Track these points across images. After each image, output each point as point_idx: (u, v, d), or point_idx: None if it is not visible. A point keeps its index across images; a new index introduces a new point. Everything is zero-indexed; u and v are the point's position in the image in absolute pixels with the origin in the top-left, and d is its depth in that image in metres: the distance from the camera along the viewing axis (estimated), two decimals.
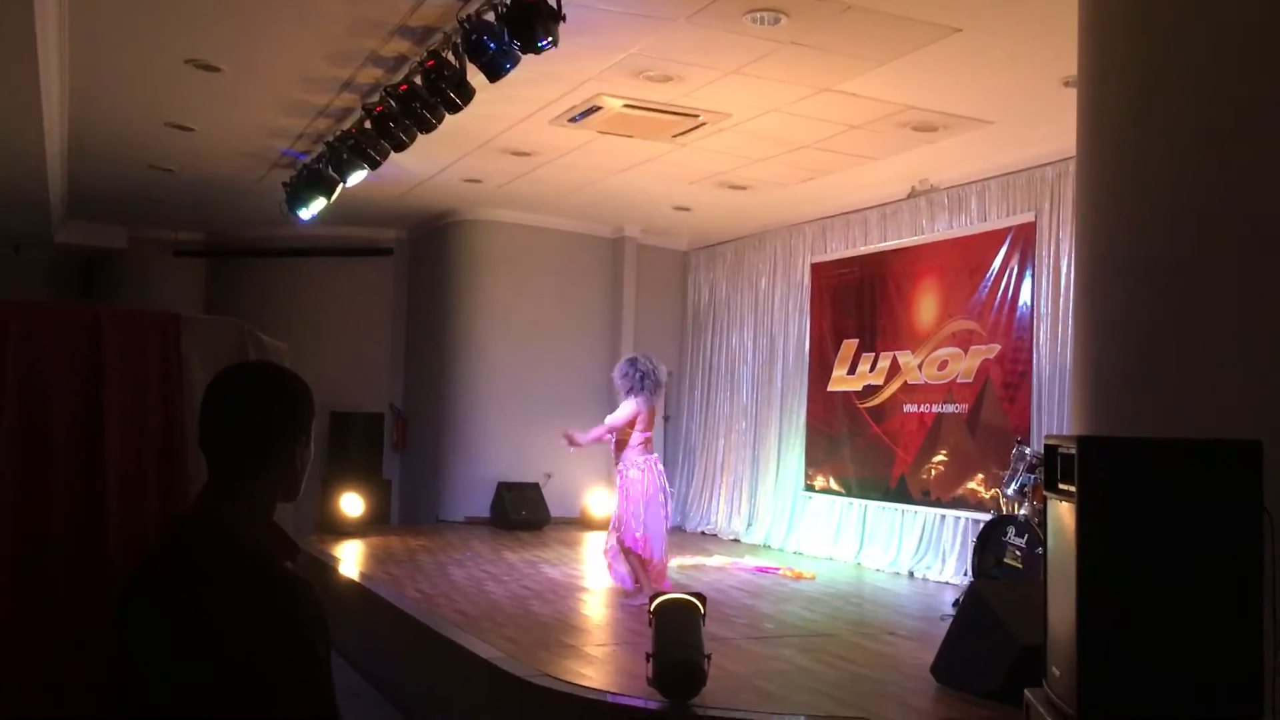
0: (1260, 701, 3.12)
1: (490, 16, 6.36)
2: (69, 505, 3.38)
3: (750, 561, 10.50)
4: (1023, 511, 7.63)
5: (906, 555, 10.18)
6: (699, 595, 5.40)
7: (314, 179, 9.58)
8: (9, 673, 3.25)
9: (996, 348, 9.56)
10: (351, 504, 11.67)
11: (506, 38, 6.27)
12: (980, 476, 9.55)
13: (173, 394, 3.46)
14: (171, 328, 3.54)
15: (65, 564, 3.32)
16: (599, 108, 8.49)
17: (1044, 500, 3.70)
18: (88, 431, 3.41)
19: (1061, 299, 8.87)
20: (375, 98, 7.97)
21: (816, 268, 11.92)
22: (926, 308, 10.43)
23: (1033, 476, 7.54)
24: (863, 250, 11.28)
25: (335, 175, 9.17)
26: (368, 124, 8.12)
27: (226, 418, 1.95)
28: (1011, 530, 7.59)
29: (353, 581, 8.63)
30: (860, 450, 11.05)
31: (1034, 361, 9.15)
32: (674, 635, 5.09)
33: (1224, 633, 3.14)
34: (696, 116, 8.63)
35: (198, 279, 14.60)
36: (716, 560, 10.52)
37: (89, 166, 10.76)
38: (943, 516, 9.95)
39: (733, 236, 13.24)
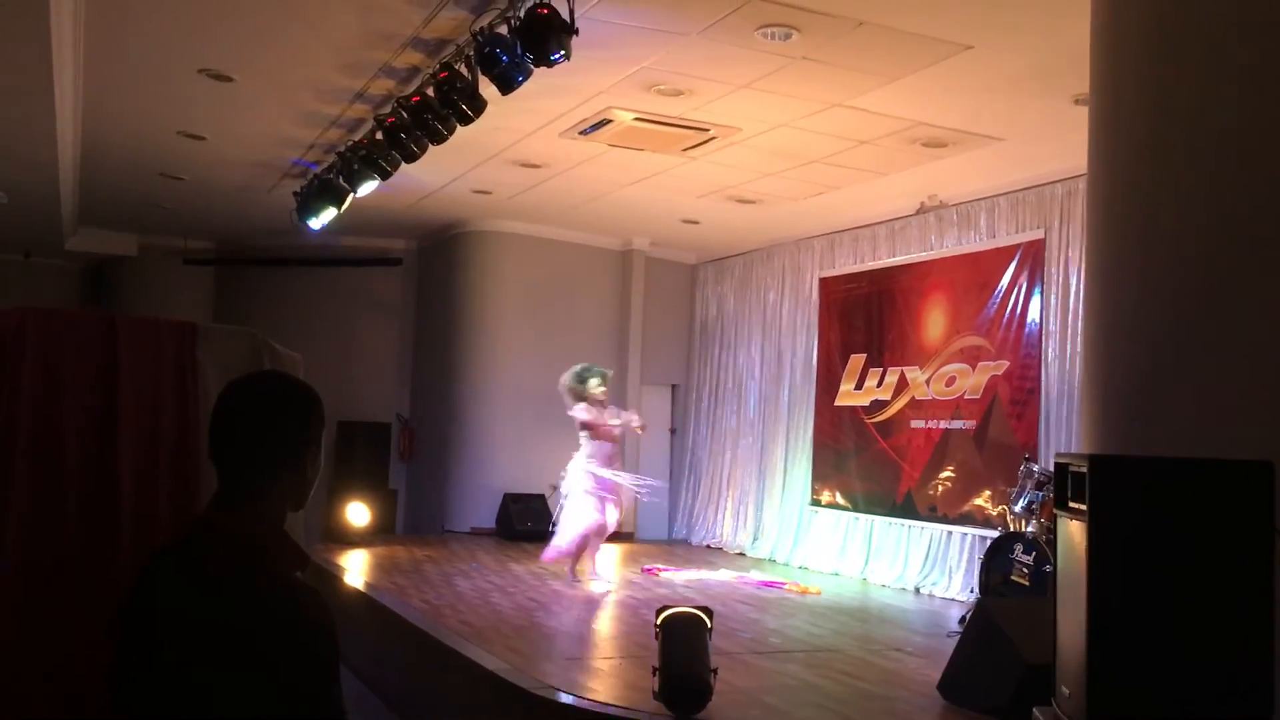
0: None
1: (503, 29, 6.39)
2: (82, 511, 3.38)
3: (756, 576, 10.48)
4: (1030, 529, 7.61)
5: (913, 571, 10.16)
6: (706, 609, 5.39)
7: (325, 189, 9.61)
8: (20, 677, 3.25)
9: (1005, 364, 9.55)
10: (358, 513, 11.68)
11: (519, 50, 6.29)
12: (987, 493, 9.53)
13: (187, 402, 3.47)
14: (187, 337, 3.56)
15: (77, 570, 3.32)
16: (609, 121, 8.52)
17: (1052, 517, 3.69)
18: (101, 438, 3.42)
19: (1070, 316, 8.87)
20: (387, 109, 8.00)
21: (825, 282, 11.93)
22: (935, 323, 10.43)
23: (1040, 494, 7.52)
24: (871, 265, 11.28)
25: (346, 185, 9.20)
26: (379, 135, 8.15)
27: (237, 427, 1.95)
28: (1019, 547, 7.57)
29: (358, 591, 8.62)
30: (867, 465, 11.03)
31: (1042, 378, 9.14)
32: (681, 649, 5.08)
33: (1235, 653, 3.13)
34: (707, 130, 8.65)
35: (207, 287, 14.63)
36: (722, 574, 10.50)
37: (101, 173, 10.80)
38: (949, 533, 9.93)
39: (741, 250, 13.25)
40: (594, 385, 9.58)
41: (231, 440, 1.95)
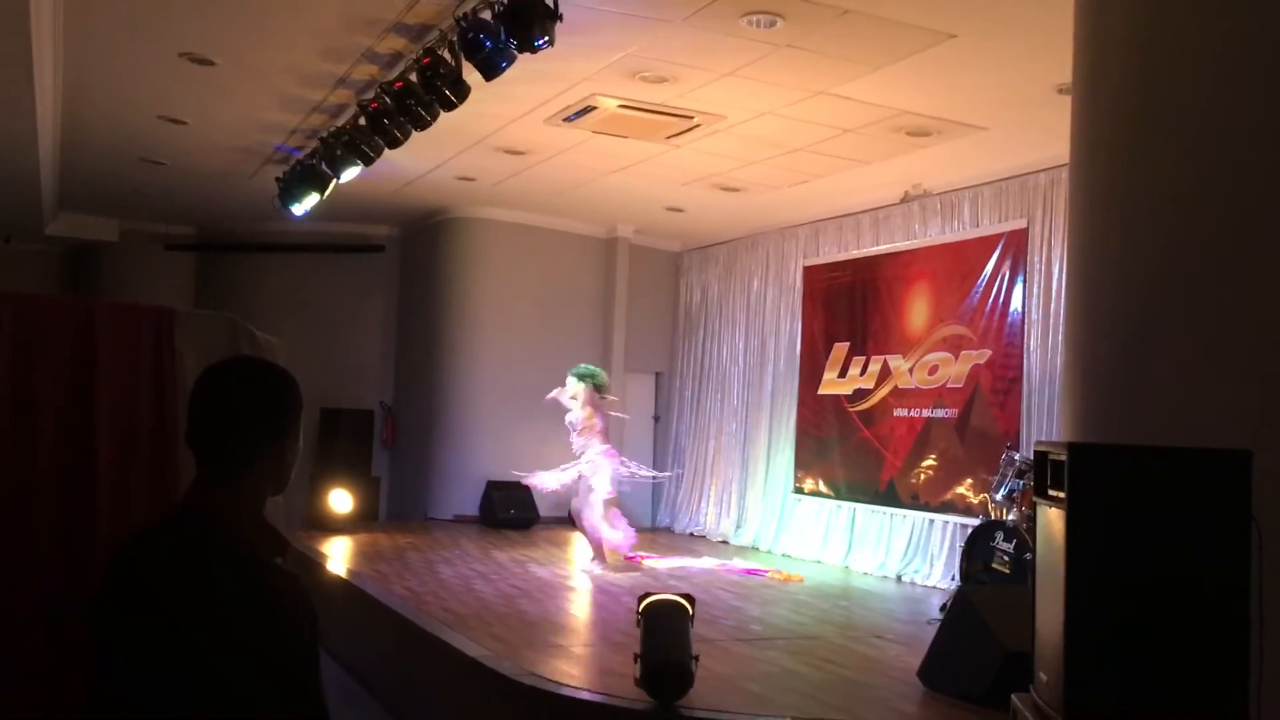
0: (1246, 709, 3.14)
1: (487, 15, 6.36)
2: (58, 497, 3.37)
3: (739, 563, 10.51)
4: (1011, 517, 7.65)
5: (894, 559, 10.20)
6: (688, 597, 5.40)
7: (307, 174, 9.56)
8: None
9: (987, 353, 9.58)
10: (340, 501, 11.66)
11: (503, 36, 6.27)
12: (969, 481, 9.57)
13: (165, 388, 3.45)
14: (165, 322, 3.54)
15: (54, 555, 3.31)
16: (594, 108, 8.49)
17: (1033, 506, 3.70)
18: (79, 423, 3.41)
19: (1052, 305, 8.90)
20: (370, 94, 7.96)
21: (809, 271, 11.94)
22: (918, 312, 10.45)
23: (1021, 482, 7.56)
24: (855, 254, 11.30)
25: (329, 171, 9.15)
26: (362, 120, 8.11)
27: (214, 413, 1.94)
28: (1000, 536, 7.60)
29: (340, 578, 8.61)
30: (850, 453, 11.06)
31: (1024, 367, 9.18)
32: (662, 636, 5.09)
33: (1211, 640, 3.15)
34: (691, 118, 8.63)
35: (188, 273, 14.55)
36: (705, 562, 10.53)
37: (81, 158, 10.72)
38: (931, 521, 9.97)
39: (725, 238, 13.25)
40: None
41: (208, 425, 1.94)
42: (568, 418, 9.98)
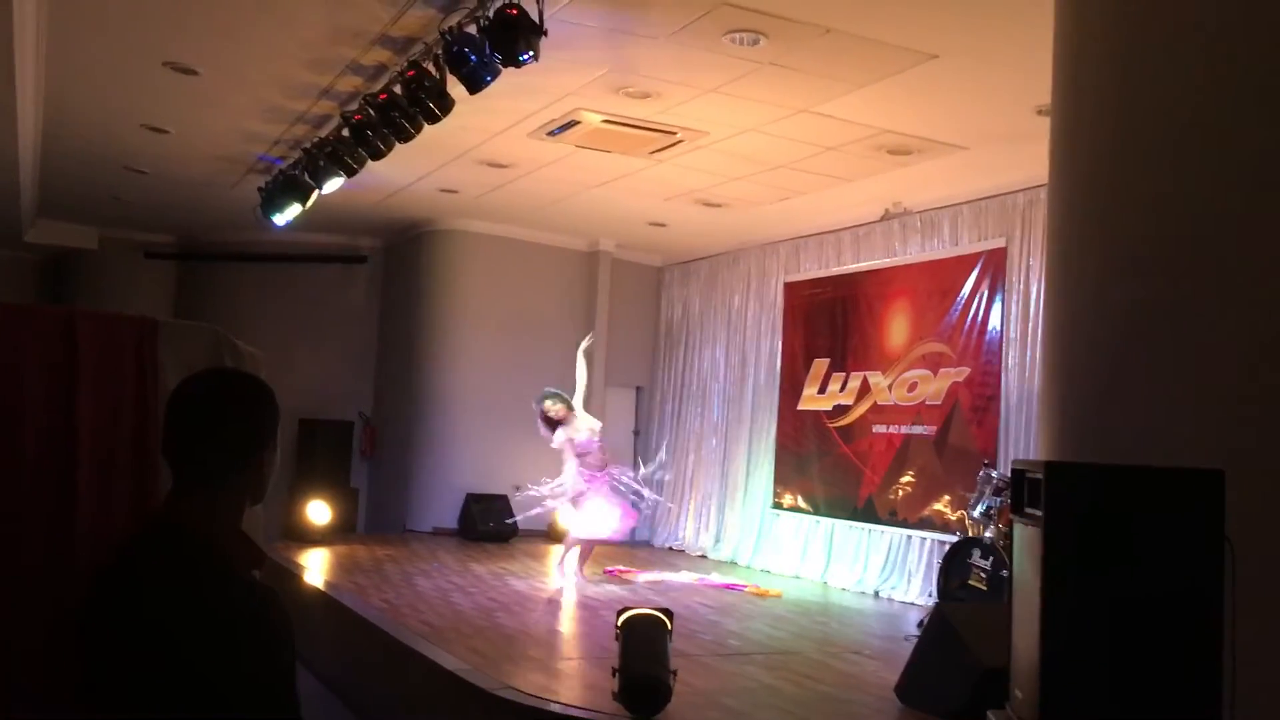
0: None
1: (472, 29, 6.38)
2: (39, 510, 3.34)
3: (717, 578, 10.51)
4: (988, 534, 7.69)
5: (872, 575, 10.23)
6: (666, 611, 5.41)
7: (290, 185, 9.55)
8: None
9: (966, 371, 9.64)
10: (318, 512, 11.61)
11: (488, 50, 6.29)
12: (947, 498, 9.62)
13: (147, 399, 3.43)
14: (147, 332, 3.52)
15: (34, 568, 3.29)
16: (577, 122, 8.52)
17: (1010, 523, 3.73)
18: (60, 435, 3.38)
19: (1030, 324, 8.97)
20: (354, 106, 7.96)
21: (789, 287, 11.99)
22: (897, 329, 10.51)
23: (999, 499, 7.61)
24: (835, 271, 11.35)
25: (311, 182, 9.14)
26: (346, 132, 8.11)
27: (191, 424, 1.94)
28: (977, 552, 7.64)
29: (318, 590, 8.57)
30: (829, 470, 11.10)
31: (1002, 385, 9.24)
32: (640, 651, 5.10)
33: (1186, 659, 3.18)
34: (674, 134, 8.67)
35: (168, 281, 14.49)
36: (684, 576, 10.53)
37: (62, 166, 10.67)
38: (909, 537, 10.01)
39: (707, 254, 13.30)
40: (548, 405, 9.79)
41: (185, 436, 1.94)
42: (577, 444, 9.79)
